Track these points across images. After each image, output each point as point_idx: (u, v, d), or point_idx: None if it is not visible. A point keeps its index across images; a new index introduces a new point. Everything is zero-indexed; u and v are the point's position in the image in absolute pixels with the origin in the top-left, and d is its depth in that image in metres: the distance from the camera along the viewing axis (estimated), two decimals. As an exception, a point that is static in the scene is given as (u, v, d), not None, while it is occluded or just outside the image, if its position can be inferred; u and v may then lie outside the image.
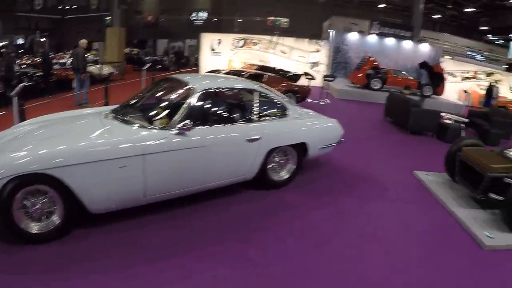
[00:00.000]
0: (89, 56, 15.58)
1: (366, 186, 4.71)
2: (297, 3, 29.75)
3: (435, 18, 30.71)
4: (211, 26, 28.78)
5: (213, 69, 11.62)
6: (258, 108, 3.97)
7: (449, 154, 4.96)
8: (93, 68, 13.29)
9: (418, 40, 17.89)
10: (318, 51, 16.49)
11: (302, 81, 10.80)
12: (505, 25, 24.17)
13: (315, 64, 16.46)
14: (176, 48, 27.83)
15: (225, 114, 4.24)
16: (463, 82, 18.17)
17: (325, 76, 11.29)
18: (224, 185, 3.81)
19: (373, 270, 2.95)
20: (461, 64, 19.09)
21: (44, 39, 28.70)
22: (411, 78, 14.66)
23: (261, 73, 9.33)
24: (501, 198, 3.83)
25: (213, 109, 4.15)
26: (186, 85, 3.72)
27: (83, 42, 9.28)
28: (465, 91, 15.19)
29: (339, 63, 16.26)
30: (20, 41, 29.02)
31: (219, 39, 16.47)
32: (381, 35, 16.78)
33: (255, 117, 3.93)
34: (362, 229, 3.60)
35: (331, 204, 4.05)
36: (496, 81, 14.01)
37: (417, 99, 8.44)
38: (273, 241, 3.20)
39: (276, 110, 4.26)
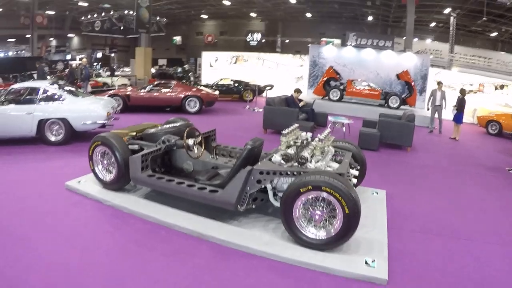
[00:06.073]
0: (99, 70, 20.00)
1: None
2: (349, 24, 28.79)
3: (493, 36, 28.44)
4: (263, 46, 30.87)
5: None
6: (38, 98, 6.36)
7: None
8: (107, 79, 17.28)
9: (402, 50, 18.12)
10: (301, 66, 18.45)
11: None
12: None
13: (299, 78, 18.43)
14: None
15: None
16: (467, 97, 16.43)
17: (265, 87, 13.59)
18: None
19: None
20: (470, 76, 17.48)
21: (113, 54, 34.29)
22: (375, 87, 15.16)
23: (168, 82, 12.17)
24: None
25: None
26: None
27: (84, 60, 13.12)
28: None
29: (316, 76, 17.35)
30: (99, 54, 34.41)
31: (216, 57, 19.67)
32: (358, 46, 17.41)
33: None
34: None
35: None
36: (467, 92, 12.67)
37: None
38: None
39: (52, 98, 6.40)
